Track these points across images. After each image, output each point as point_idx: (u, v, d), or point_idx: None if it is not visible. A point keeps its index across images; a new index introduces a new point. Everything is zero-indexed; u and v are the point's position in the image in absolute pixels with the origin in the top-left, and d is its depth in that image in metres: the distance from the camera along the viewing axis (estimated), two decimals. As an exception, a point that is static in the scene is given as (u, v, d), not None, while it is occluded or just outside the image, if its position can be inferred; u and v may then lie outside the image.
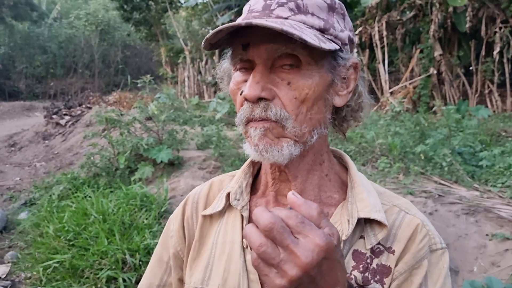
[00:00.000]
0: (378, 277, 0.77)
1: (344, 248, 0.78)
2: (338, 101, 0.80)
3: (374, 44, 11.54)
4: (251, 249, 0.80)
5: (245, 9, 0.78)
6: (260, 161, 0.79)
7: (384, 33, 11.28)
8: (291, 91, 0.73)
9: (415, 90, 10.88)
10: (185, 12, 20.53)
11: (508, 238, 3.82)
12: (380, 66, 11.49)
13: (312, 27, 0.74)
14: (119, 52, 31.72)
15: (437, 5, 10.41)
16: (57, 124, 12.06)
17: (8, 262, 4.45)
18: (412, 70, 11.31)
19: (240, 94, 0.76)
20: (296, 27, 0.69)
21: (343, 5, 0.82)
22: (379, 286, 0.76)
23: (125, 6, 20.37)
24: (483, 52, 10.76)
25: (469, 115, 9.10)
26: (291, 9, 0.73)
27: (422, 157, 5.64)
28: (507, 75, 10.35)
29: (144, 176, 5.67)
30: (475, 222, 4.16)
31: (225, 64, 0.85)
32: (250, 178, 0.90)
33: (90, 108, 12.45)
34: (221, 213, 0.90)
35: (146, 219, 4.48)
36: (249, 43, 0.74)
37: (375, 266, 0.77)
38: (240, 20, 0.73)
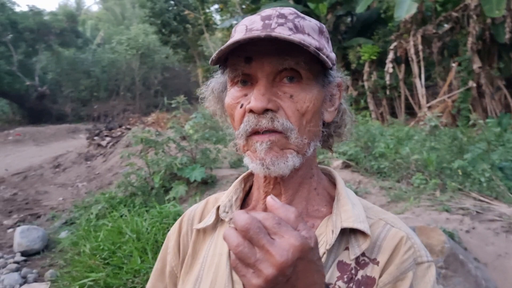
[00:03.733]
0: None
1: (329, 259, 0.80)
2: (327, 117, 0.85)
3: (410, 59, 11.35)
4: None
5: (241, 28, 0.81)
6: (263, 174, 0.81)
7: (420, 47, 11.09)
8: (294, 103, 0.78)
9: (454, 104, 10.59)
10: (221, 33, 20.97)
11: (552, 257, 3.62)
12: (417, 81, 11.28)
13: (310, 45, 0.77)
14: (158, 74, 32.62)
15: (474, 17, 10.15)
16: (99, 145, 12.49)
17: (48, 281, 4.61)
18: (451, 83, 11.04)
19: (240, 107, 0.80)
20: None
21: (327, 30, 0.87)
22: None
23: (164, 30, 21.01)
24: (525, 63, 10.38)
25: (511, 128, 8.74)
26: (290, 29, 0.78)
27: (460, 173, 5.46)
28: (552, 86, 9.93)
29: (178, 195, 5.77)
30: (516, 241, 3.97)
31: (213, 83, 0.90)
32: (241, 193, 0.94)
33: (129, 129, 12.83)
34: (213, 227, 0.93)
35: (179, 237, 4.54)
36: (252, 57, 0.77)
37: (359, 278, 0.79)
38: (236, 38, 0.76)
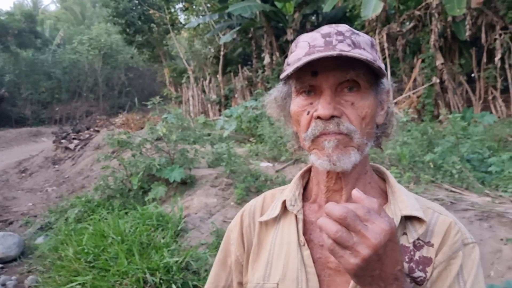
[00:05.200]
0: (421, 266, 0.89)
1: None
2: (379, 119, 0.96)
3: (376, 56, 11.65)
4: (308, 245, 0.95)
5: (303, 45, 0.91)
6: (329, 169, 0.91)
7: (385, 44, 11.40)
8: (355, 110, 0.89)
9: (419, 100, 10.95)
10: (187, 33, 20.82)
11: (523, 242, 3.85)
12: (383, 77, 11.58)
13: (374, 62, 0.87)
14: (122, 75, 32.04)
15: (436, 15, 10.54)
16: (66, 148, 12.19)
17: (29, 287, 4.51)
18: (415, 80, 11.40)
19: (307, 114, 0.91)
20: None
21: (376, 43, 0.98)
22: (423, 274, 0.89)
23: (128, 30, 20.67)
24: (484, 59, 10.83)
25: (474, 122, 9.14)
26: (349, 45, 0.88)
27: (432, 166, 5.70)
28: (509, 80, 10.40)
29: (158, 196, 5.75)
30: (489, 228, 4.19)
31: (275, 92, 1.01)
32: (301, 188, 1.04)
33: (98, 131, 12.61)
34: (276, 220, 1.03)
35: (163, 238, 4.54)
36: (317, 71, 0.87)
37: (417, 258, 0.90)
38: (301, 55, 0.88)
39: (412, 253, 0.90)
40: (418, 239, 0.91)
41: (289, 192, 1.03)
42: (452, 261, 0.89)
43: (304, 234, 0.97)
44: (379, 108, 0.95)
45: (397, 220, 0.90)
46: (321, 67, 0.87)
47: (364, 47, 0.89)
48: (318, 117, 0.88)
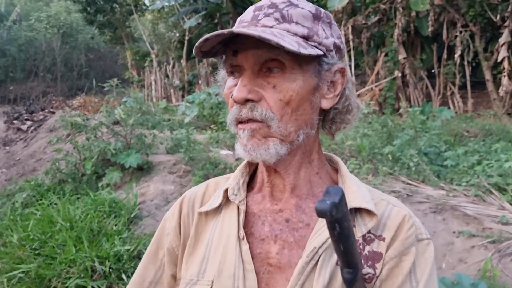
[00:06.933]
0: (370, 262, 0.82)
1: None
2: (325, 104, 0.86)
3: (341, 48, 11.71)
4: (248, 239, 0.87)
5: (237, 20, 0.86)
6: (250, 159, 0.83)
7: (350, 36, 11.47)
8: (276, 93, 0.79)
9: (381, 93, 11.10)
10: (151, 15, 20.28)
11: (474, 235, 3.93)
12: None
13: (295, 34, 0.79)
14: (82, 56, 30.96)
15: (401, 9, 10.67)
16: (18, 129, 11.69)
17: (-31, 274, 4.25)
18: (378, 73, 11.55)
19: (231, 97, 0.82)
20: (277, 34, 0.75)
21: (329, 15, 0.87)
22: (372, 271, 0.81)
23: (89, 9, 19.94)
24: (444, 55, 11.10)
25: (433, 117, 9.34)
26: (276, 19, 0.80)
27: (390, 158, 5.76)
28: (467, 77, 10.71)
29: (112, 181, 5.55)
30: (442, 220, 4.27)
31: (222, 71, 0.92)
32: (246, 176, 0.95)
33: (53, 112, 12.13)
34: (217, 210, 0.93)
35: (115, 225, 4.38)
36: (238, 50, 0.80)
37: (367, 253, 0.82)
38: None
39: (360, 247, 0.82)
40: (369, 232, 0.83)
41: (233, 180, 0.94)
42: (404, 257, 0.81)
43: (245, 227, 0.88)
44: (325, 91, 0.84)
45: None
46: (241, 45, 0.79)
47: (297, 20, 0.80)
48: (235, 101, 0.80)
